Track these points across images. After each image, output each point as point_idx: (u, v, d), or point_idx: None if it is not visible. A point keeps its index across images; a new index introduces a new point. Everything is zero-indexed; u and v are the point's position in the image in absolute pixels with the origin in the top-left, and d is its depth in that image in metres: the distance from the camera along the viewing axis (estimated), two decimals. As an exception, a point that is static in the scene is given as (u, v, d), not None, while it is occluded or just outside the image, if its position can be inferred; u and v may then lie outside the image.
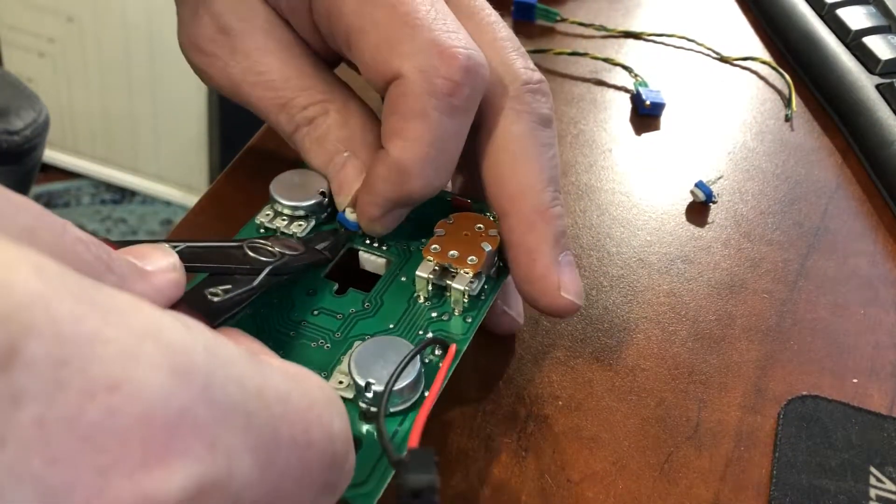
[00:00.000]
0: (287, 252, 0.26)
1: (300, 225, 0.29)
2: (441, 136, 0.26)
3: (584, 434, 0.27)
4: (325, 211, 0.29)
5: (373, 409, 0.23)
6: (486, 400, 0.28)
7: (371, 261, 0.29)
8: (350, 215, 0.28)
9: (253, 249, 0.25)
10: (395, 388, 0.23)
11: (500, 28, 0.28)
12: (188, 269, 0.21)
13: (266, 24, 0.29)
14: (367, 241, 0.29)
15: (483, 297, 0.27)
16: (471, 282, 0.26)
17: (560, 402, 0.28)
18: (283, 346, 0.25)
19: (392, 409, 0.23)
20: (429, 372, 0.24)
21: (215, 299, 0.22)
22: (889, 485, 0.26)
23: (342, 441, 0.18)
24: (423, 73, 0.25)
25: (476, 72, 0.25)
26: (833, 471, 0.26)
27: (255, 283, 0.24)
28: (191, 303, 0.21)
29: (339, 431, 0.18)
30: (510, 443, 0.27)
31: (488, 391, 0.28)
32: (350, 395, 0.24)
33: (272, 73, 0.29)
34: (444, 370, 0.24)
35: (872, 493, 0.26)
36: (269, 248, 0.26)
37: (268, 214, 0.29)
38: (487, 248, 0.27)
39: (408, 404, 0.23)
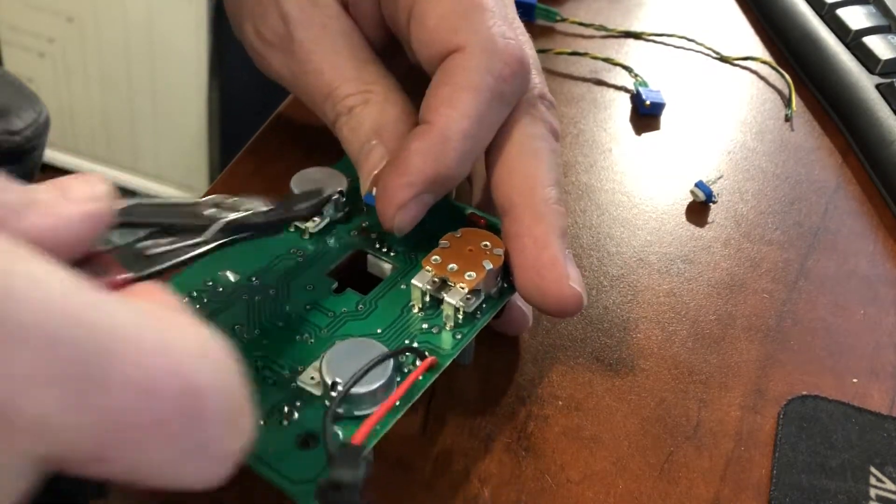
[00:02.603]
0: (254, 209, 0.24)
1: (314, 221, 0.29)
2: (484, 117, 0.26)
3: (584, 434, 0.27)
4: (342, 210, 0.29)
5: (339, 410, 0.23)
6: (486, 400, 0.28)
7: (378, 265, 0.29)
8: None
9: (215, 205, 0.23)
10: (364, 390, 0.23)
11: (529, 47, 0.29)
12: (131, 225, 0.20)
13: (325, 14, 0.30)
14: (377, 245, 0.29)
15: (479, 316, 0.26)
16: (467, 298, 0.26)
17: (560, 402, 0.28)
18: (270, 334, 0.26)
19: (357, 413, 0.23)
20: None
21: (148, 252, 0.21)
22: (889, 485, 0.26)
23: (216, 398, 0.16)
24: (485, 51, 0.26)
25: (527, 70, 0.27)
26: (833, 471, 0.26)
27: (204, 236, 0.22)
28: (118, 254, 0.20)
29: (210, 387, 0.16)
30: (510, 443, 0.27)
31: (488, 391, 0.28)
32: (318, 392, 0.24)
33: (323, 62, 0.29)
34: (411, 379, 0.24)
35: (872, 492, 0.26)
36: (233, 205, 0.24)
37: None
38: (488, 266, 0.26)
39: (377, 408, 0.23)
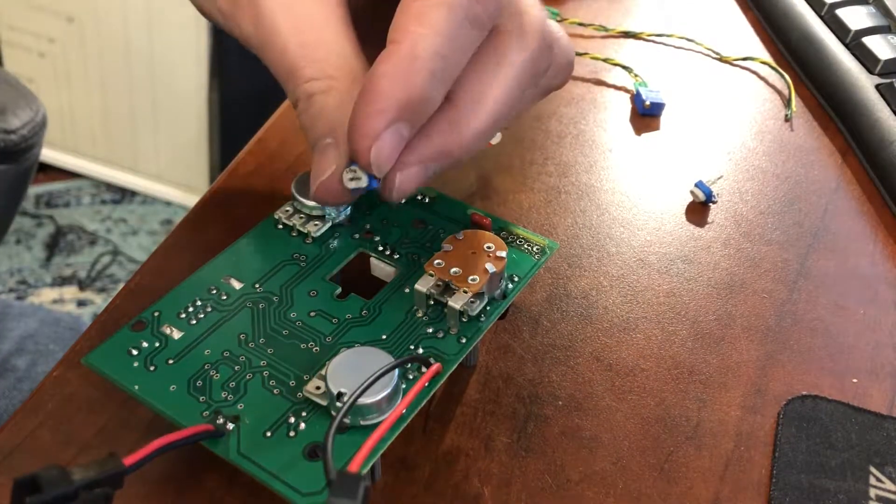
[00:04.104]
0: None
1: (316, 225, 0.29)
2: (456, 37, 0.24)
3: (584, 434, 0.27)
4: (343, 213, 0.29)
5: (345, 420, 0.23)
6: (486, 400, 0.28)
7: (381, 268, 0.28)
8: (353, 181, 0.25)
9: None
10: (371, 401, 0.23)
11: None
12: None
13: None
14: (380, 248, 0.29)
15: (483, 319, 0.26)
16: (471, 301, 0.26)
17: (560, 402, 0.28)
18: (274, 343, 0.26)
19: (363, 423, 0.23)
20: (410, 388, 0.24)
21: None
22: (889, 485, 0.26)
23: None
24: None
25: None
26: (833, 471, 0.26)
27: None
28: None
29: None
30: (510, 443, 0.27)
31: (488, 391, 0.28)
32: (324, 402, 0.24)
33: (287, 36, 0.26)
34: (416, 389, 0.24)
35: (872, 492, 0.26)
36: None
37: (287, 211, 0.29)
38: (491, 269, 0.26)
39: (383, 417, 0.23)
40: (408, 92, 0.24)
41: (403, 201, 0.30)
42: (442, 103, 0.25)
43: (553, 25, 0.28)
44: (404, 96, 0.24)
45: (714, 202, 0.36)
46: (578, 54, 0.44)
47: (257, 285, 0.27)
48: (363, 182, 0.25)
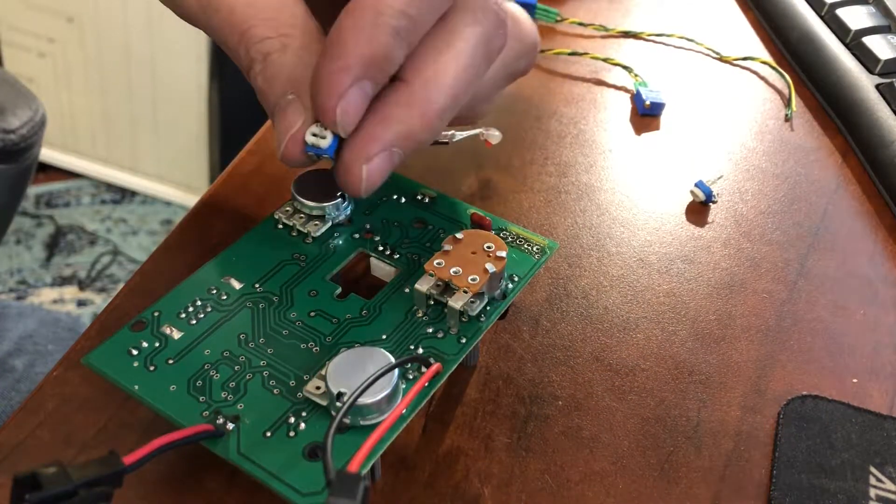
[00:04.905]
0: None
1: (316, 225, 0.29)
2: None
3: (584, 434, 0.27)
4: (343, 213, 0.29)
5: (345, 420, 0.23)
6: (486, 400, 0.28)
7: (381, 268, 0.28)
8: (315, 137, 0.25)
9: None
10: (370, 401, 0.23)
11: None
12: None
13: None
14: (380, 248, 0.29)
15: (483, 319, 0.26)
16: (471, 301, 0.26)
17: (560, 402, 0.28)
18: (273, 343, 0.25)
19: (363, 423, 0.23)
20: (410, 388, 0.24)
21: None
22: (889, 485, 0.26)
23: None
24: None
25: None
26: (833, 471, 0.26)
27: None
28: None
29: None
30: (510, 443, 0.27)
31: (488, 391, 0.28)
32: (324, 402, 0.24)
33: None
34: (416, 389, 0.24)
35: (872, 492, 0.26)
36: None
37: (287, 210, 0.29)
38: (491, 269, 0.26)
39: (383, 417, 0.23)
40: (372, 48, 0.24)
41: (372, 194, 0.30)
42: (398, 84, 0.25)
43: (510, 5, 0.27)
44: (368, 52, 0.23)
45: (714, 202, 0.36)
46: (578, 54, 0.44)
47: (257, 285, 0.27)
48: (327, 140, 0.25)
